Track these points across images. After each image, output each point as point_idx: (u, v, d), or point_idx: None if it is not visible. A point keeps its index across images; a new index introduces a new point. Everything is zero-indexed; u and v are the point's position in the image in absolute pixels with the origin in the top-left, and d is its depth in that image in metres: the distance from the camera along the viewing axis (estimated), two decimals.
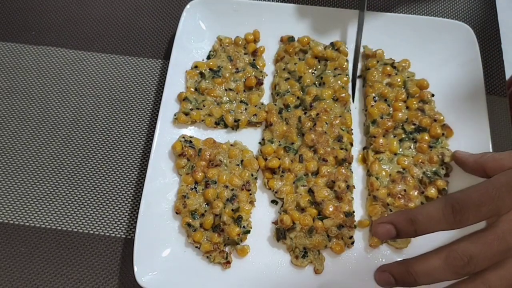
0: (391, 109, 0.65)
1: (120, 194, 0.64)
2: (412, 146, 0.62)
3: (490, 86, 0.70)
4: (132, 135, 0.67)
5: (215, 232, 0.58)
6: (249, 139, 0.65)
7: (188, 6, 0.68)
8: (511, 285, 0.43)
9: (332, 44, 0.69)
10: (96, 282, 0.59)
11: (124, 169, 0.65)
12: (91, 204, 0.63)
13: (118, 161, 0.66)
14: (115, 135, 0.67)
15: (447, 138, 0.63)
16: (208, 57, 0.69)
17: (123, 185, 0.64)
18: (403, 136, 0.63)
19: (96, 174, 0.65)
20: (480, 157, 0.56)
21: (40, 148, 0.66)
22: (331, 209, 0.58)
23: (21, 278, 0.59)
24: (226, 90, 0.66)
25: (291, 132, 0.63)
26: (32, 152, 0.66)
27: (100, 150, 0.66)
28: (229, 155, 0.62)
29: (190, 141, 0.62)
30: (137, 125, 0.68)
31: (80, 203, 0.63)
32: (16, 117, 0.68)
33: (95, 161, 0.65)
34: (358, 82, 0.69)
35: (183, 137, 0.62)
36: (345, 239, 0.58)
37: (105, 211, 0.62)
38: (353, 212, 0.59)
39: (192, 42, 0.69)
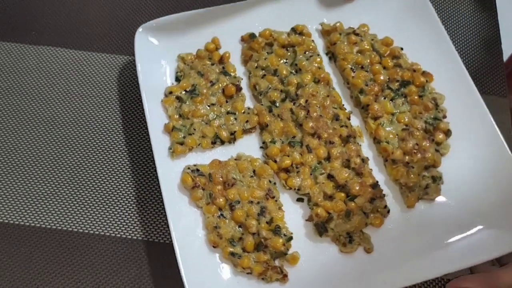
0: (371, 74, 0.65)
1: (121, 194, 0.63)
2: (403, 102, 0.64)
3: (490, 86, 0.71)
4: (133, 135, 0.66)
5: (260, 251, 0.55)
6: (249, 146, 0.63)
7: (140, 29, 0.64)
8: None
9: (293, 29, 0.68)
10: (96, 282, 0.58)
11: (124, 169, 0.64)
12: (91, 204, 0.62)
13: (119, 161, 0.65)
14: (115, 135, 0.66)
15: (430, 82, 0.65)
16: (177, 79, 0.65)
17: (123, 185, 0.63)
18: (392, 95, 0.64)
19: (97, 174, 0.64)
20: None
21: (40, 148, 0.66)
22: (357, 188, 0.58)
23: (21, 278, 0.58)
24: (209, 106, 0.63)
25: (289, 127, 0.62)
26: (33, 152, 0.65)
27: (100, 150, 0.66)
28: (239, 169, 0.60)
29: (197, 170, 0.59)
30: (138, 125, 0.67)
31: (81, 203, 0.62)
32: (16, 117, 0.68)
33: (95, 161, 0.65)
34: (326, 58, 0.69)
35: (189, 168, 0.59)
36: (381, 210, 0.58)
37: (105, 211, 0.62)
38: (377, 182, 0.59)
39: (155, 68, 0.65)
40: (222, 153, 0.62)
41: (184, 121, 0.62)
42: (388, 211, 0.59)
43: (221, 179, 0.58)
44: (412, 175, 0.59)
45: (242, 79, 0.66)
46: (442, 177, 0.60)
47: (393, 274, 0.55)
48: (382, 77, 0.65)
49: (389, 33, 0.68)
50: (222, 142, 0.62)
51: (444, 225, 0.57)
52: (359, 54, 0.67)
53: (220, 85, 0.64)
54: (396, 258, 0.56)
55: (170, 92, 0.63)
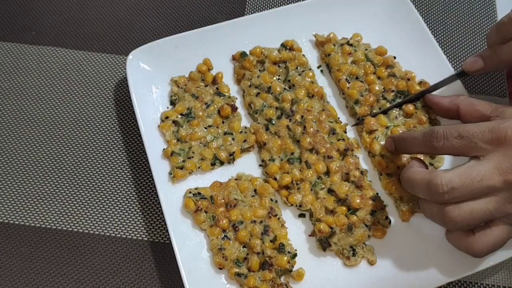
0: (366, 85, 0.66)
1: (121, 194, 0.63)
2: (398, 115, 0.64)
3: (490, 86, 0.71)
4: (132, 134, 0.67)
5: (265, 270, 0.56)
6: (248, 165, 0.64)
7: (130, 56, 0.64)
8: (480, 220, 0.49)
9: (283, 45, 0.68)
10: (96, 282, 0.59)
11: (124, 168, 0.65)
12: (91, 204, 0.63)
13: (118, 161, 0.65)
14: (115, 134, 0.67)
15: None
16: (171, 102, 0.65)
17: (123, 185, 0.64)
18: (388, 105, 0.65)
19: (97, 174, 0.65)
20: (456, 98, 0.59)
21: (40, 148, 0.66)
22: (358, 201, 0.59)
23: (22, 278, 0.59)
24: (206, 128, 0.63)
25: (287, 144, 0.62)
26: (33, 152, 0.66)
27: (101, 150, 0.66)
28: (240, 190, 0.60)
29: (199, 193, 0.59)
30: (137, 125, 0.65)
31: (81, 203, 0.63)
32: (16, 117, 0.68)
33: (95, 161, 0.66)
34: (318, 71, 0.70)
35: (190, 192, 0.59)
36: (382, 221, 0.59)
37: (106, 211, 0.62)
38: (377, 193, 0.60)
39: (149, 94, 0.65)
40: (222, 174, 0.63)
41: (182, 145, 0.62)
42: (390, 222, 0.59)
43: (223, 200, 0.59)
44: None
45: (236, 98, 0.67)
46: None
47: (398, 285, 0.56)
48: (377, 87, 0.65)
49: (379, 42, 0.69)
50: (222, 163, 0.63)
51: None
52: (354, 65, 0.67)
53: (215, 106, 0.65)
54: (400, 268, 0.57)
55: (166, 117, 0.63)
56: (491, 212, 0.48)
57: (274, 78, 0.67)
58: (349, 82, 0.66)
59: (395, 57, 0.67)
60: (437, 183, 0.48)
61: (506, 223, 0.50)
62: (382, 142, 0.62)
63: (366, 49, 0.68)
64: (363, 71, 0.66)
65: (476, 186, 0.47)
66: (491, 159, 0.48)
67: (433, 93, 0.64)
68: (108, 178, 0.64)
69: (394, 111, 0.64)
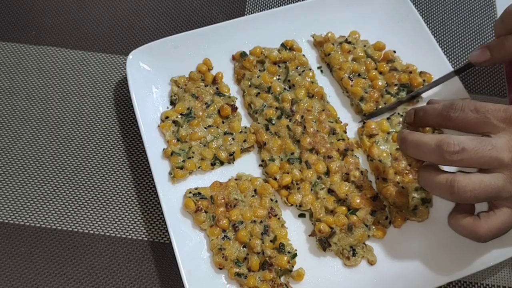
0: (368, 81, 0.66)
1: (121, 194, 0.63)
2: (400, 122, 0.64)
3: (490, 86, 0.71)
4: (132, 134, 0.67)
5: (265, 270, 0.56)
6: (248, 165, 0.64)
7: (130, 56, 0.65)
8: (487, 195, 0.48)
9: (283, 45, 0.68)
10: (96, 282, 0.59)
11: (124, 168, 0.65)
12: (91, 204, 0.63)
13: (118, 161, 0.65)
14: (115, 134, 0.67)
15: (428, 81, 0.65)
16: (171, 102, 0.65)
17: (123, 185, 0.64)
18: (393, 100, 0.65)
19: (97, 174, 0.65)
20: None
21: (40, 148, 0.66)
22: (358, 201, 0.59)
23: (21, 278, 0.59)
24: (206, 128, 0.63)
25: (287, 144, 0.62)
26: (33, 152, 0.66)
27: (101, 150, 0.66)
28: (240, 190, 0.60)
29: (199, 193, 0.59)
30: (137, 125, 0.66)
31: (81, 203, 0.63)
32: (16, 117, 0.68)
33: (95, 161, 0.66)
34: (318, 71, 0.70)
35: (190, 192, 0.60)
36: (382, 221, 0.59)
37: (106, 211, 0.62)
38: (377, 193, 0.60)
39: (149, 94, 0.65)
40: (222, 174, 0.63)
41: (182, 145, 0.62)
42: (390, 222, 0.59)
43: (223, 200, 0.59)
44: (401, 195, 0.59)
45: (236, 98, 0.67)
46: (432, 200, 0.60)
47: (398, 285, 0.56)
48: (380, 83, 0.65)
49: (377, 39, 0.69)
50: (222, 163, 0.63)
51: (446, 234, 0.57)
52: (354, 62, 0.67)
53: (216, 106, 0.65)
54: (400, 268, 0.57)
55: (166, 117, 0.63)
56: (499, 188, 0.48)
57: (274, 78, 0.67)
58: (352, 80, 0.66)
59: (395, 51, 0.67)
60: (449, 141, 0.48)
61: (511, 208, 0.50)
62: (382, 147, 0.62)
63: (364, 46, 0.68)
64: (364, 68, 0.67)
65: (486, 153, 0.48)
66: (502, 136, 0.49)
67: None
68: (108, 178, 0.64)
69: (397, 117, 0.64)
